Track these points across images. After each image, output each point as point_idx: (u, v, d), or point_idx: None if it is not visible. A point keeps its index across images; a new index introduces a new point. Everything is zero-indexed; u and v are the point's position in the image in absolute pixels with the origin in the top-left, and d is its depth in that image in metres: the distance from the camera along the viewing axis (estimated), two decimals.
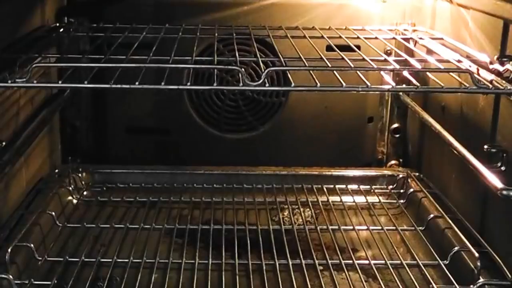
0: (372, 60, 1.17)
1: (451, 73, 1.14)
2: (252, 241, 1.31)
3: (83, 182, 1.56)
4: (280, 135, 1.67)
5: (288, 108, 1.66)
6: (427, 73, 1.23)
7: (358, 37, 1.40)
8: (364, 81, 1.05)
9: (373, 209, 1.48)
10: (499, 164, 1.12)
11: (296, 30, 1.47)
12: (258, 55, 1.22)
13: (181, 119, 1.65)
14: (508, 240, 1.14)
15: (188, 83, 1.09)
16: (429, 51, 1.36)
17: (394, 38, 1.51)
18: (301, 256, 1.25)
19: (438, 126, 1.32)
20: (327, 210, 1.47)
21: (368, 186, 1.59)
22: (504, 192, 0.97)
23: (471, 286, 1.10)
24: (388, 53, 1.52)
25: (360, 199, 1.53)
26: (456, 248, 1.22)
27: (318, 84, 1.02)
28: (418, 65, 1.14)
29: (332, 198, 1.52)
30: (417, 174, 1.58)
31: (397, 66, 1.15)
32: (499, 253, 1.15)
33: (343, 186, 1.58)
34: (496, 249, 1.16)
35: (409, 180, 1.56)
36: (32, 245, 1.19)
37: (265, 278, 1.18)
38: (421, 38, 1.45)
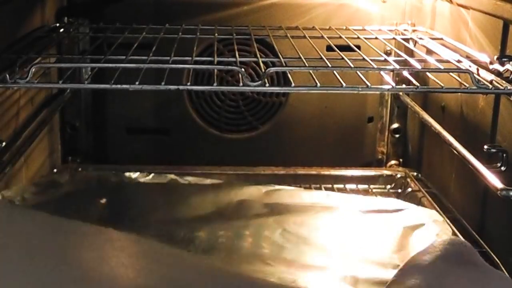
0: (372, 60, 1.17)
1: (451, 73, 1.14)
2: None
3: None
4: (280, 135, 1.67)
5: (288, 108, 1.66)
6: (427, 73, 1.23)
7: (358, 37, 1.40)
8: (364, 81, 1.05)
9: None
10: (499, 164, 1.12)
11: (296, 30, 1.47)
12: (258, 55, 1.22)
13: (181, 119, 1.65)
14: (507, 240, 1.14)
15: (188, 83, 1.09)
16: (429, 51, 1.36)
17: (394, 38, 1.51)
18: None
19: (438, 126, 1.32)
20: None
21: (366, 186, 1.59)
22: (504, 192, 0.97)
23: None
24: (388, 53, 1.52)
25: None
26: None
27: (318, 84, 1.02)
28: (418, 65, 1.14)
29: None
30: (415, 174, 1.58)
31: (397, 66, 1.15)
32: (499, 253, 1.15)
33: (341, 186, 1.58)
34: (496, 249, 1.16)
35: (407, 180, 1.56)
36: None
37: None
38: (421, 38, 1.45)
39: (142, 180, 1.41)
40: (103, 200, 1.29)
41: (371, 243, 1.08)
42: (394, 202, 1.28)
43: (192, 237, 1.12)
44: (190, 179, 1.43)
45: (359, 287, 0.91)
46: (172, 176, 1.42)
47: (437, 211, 1.33)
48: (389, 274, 0.93)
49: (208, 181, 1.42)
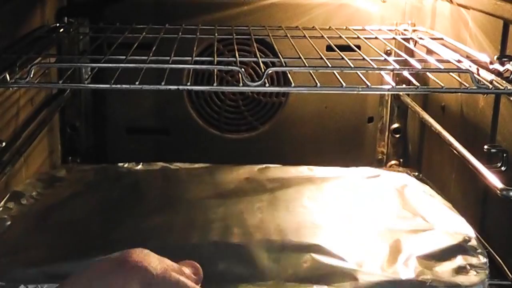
0: (372, 60, 1.16)
1: (451, 73, 1.14)
2: None
3: None
4: (280, 135, 1.67)
5: (288, 108, 1.66)
6: (427, 73, 1.23)
7: (358, 37, 1.40)
8: (364, 81, 1.05)
9: None
10: (499, 164, 1.12)
11: (296, 30, 1.47)
12: (258, 55, 1.22)
13: (181, 119, 1.65)
14: (508, 240, 1.14)
15: (188, 83, 1.09)
16: (429, 51, 1.36)
17: (394, 38, 1.51)
18: None
19: (438, 126, 1.32)
20: None
21: None
22: (504, 192, 0.97)
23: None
24: (388, 53, 1.52)
25: None
26: None
27: (318, 84, 1.02)
28: (418, 65, 1.14)
29: None
30: (416, 173, 1.57)
31: (397, 66, 1.14)
32: (499, 253, 1.15)
33: None
34: (496, 249, 1.16)
35: None
36: None
37: None
38: (421, 38, 1.45)
39: (136, 168, 1.42)
40: (111, 191, 1.30)
41: (381, 203, 1.19)
42: (369, 170, 1.37)
43: (234, 211, 1.16)
44: (179, 164, 1.45)
45: (395, 235, 1.06)
46: (162, 163, 1.44)
47: None
48: (410, 224, 1.11)
49: (196, 165, 1.45)
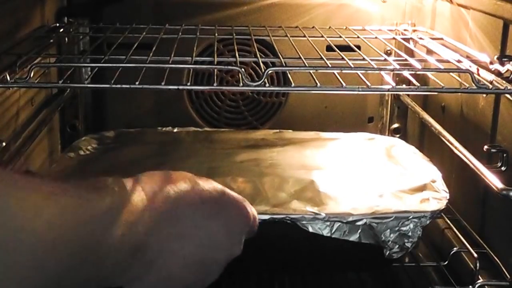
0: (372, 60, 1.16)
1: (451, 73, 1.14)
2: None
3: None
4: None
5: (288, 108, 1.66)
6: (427, 73, 1.23)
7: (358, 37, 1.40)
8: (364, 81, 1.05)
9: None
10: (499, 164, 1.12)
11: (296, 30, 1.47)
12: (258, 55, 1.22)
13: (181, 119, 1.64)
14: (507, 240, 1.14)
15: (188, 83, 1.09)
16: (429, 51, 1.36)
17: (394, 38, 1.51)
18: None
19: (438, 126, 1.32)
20: None
21: None
22: (504, 192, 0.97)
23: (470, 287, 1.10)
24: (388, 53, 1.52)
25: None
26: (455, 249, 1.22)
27: (318, 84, 1.02)
28: (418, 65, 1.14)
29: None
30: None
31: (397, 66, 1.14)
32: (499, 253, 1.15)
33: None
34: (496, 250, 1.16)
35: None
36: None
37: None
38: (421, 38, 1.45)
39: (174, 130, 1.52)
40: (154, 143, 1.42)
41: (370, 155, 1.37)
42: (366, 134, 1.51)
43: (251, 157, 1.33)
44: (207, 129, 1.56)
45: (376, 177, 1.23)
46: (193, 128, 1.54)
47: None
48: (390, 170, 1.27)
49: (222, 129, 1.56)
